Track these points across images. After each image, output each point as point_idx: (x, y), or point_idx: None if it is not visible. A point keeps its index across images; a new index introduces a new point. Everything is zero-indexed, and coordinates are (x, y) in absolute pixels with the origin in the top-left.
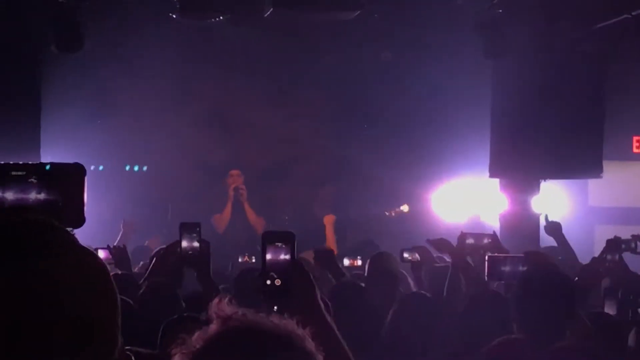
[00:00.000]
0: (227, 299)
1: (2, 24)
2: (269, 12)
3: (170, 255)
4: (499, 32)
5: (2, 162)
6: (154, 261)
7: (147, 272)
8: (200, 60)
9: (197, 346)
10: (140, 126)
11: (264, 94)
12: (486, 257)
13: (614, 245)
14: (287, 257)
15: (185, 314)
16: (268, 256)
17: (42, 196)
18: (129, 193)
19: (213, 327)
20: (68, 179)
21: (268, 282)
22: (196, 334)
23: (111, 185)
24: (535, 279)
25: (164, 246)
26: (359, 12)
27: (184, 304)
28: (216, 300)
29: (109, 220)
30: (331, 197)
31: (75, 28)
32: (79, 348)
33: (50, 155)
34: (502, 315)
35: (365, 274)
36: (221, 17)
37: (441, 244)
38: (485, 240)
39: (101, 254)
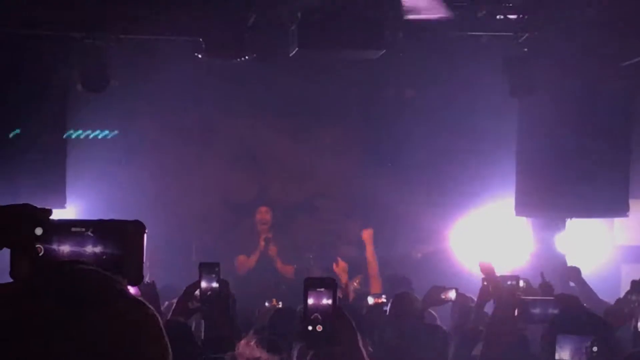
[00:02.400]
0: (254, 341)
1: (29, 61)
2: (294, 52)
3: (190, 296)
4: (525, 70)
5: (63, 219)
6: (175, 302)
7: (171, 312)
8: (225, 98)
9: None
10: (166, 164)
11: (289, 131)
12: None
13: (639, 285)
14: (329, 302)
15: (212, 356)
16: (310, 301)
17: (98, 250)
18: (153, 231)
19: None
20: (127, 235)
21: (310, 327)
22: None
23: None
24: (568, 322)
25: (167, 284)
26: (384, 51)
27: (200, 345)
28: (244, 341)
29: None
30: (358, 232)
31: (102, 67)
32: None
33: (75, 194)
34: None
35: (387, 313)
36: (247, 57)
37: (488, 269)
38: (509, 282)
39: (130, 289)
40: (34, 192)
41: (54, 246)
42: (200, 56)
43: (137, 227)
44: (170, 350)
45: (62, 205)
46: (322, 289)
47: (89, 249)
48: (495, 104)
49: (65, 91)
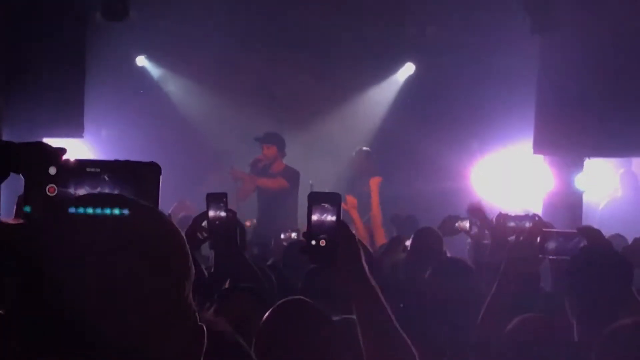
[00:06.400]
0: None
1: None
2: None
3: (197, 226)
4: (547, 7)
5: (78, 158)
6: (184, 233)
7: None
8: (244, 34)
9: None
10: (183, 97)
11: (308, 67)
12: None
13: None
14: (333, 218)
15: (240, 285)
16: (314, 217)
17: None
18: (167, 162)
19: None
20: (143, 178)
21: (313, 242)
22: None
23: (153, 155)
24: (595, 255)
25: (186, 214)
26: None
27: (206, 274)
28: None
29: None
30: (368, 161)
31: None
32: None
33: (93, 124)
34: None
35: (409, 249)
36: None
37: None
38: (527, 224)
39: None
40: (53, 119)
41: (70, 189)
42: None
43: (152, 170)
44: (192, 262)
45: (79, 134)
46: (327, 205)
47: (106, 192)
48: (517, 42)
49: (84, 21)
